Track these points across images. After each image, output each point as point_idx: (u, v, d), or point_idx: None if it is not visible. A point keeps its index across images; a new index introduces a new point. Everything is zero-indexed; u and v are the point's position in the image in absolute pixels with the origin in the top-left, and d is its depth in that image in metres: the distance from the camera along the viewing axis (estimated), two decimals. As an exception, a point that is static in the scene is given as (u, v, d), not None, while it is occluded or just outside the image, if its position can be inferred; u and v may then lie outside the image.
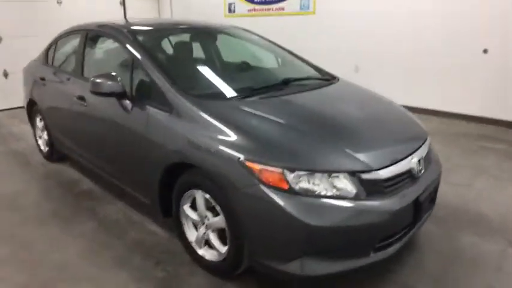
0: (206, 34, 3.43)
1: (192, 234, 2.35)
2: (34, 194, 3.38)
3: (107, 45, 3.20)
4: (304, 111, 2.36)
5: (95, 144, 3.07)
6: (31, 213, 3.02)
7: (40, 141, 4.15)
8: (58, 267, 2.37)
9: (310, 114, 2.33)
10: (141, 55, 2.56)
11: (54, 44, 3.78)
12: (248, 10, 7.62)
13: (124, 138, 2.60)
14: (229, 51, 3.47)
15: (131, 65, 2.59)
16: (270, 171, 1.83)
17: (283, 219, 1.79)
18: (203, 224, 2.23)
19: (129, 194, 2.83)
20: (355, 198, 1.86)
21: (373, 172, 1.92)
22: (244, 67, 3.26)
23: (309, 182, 1.83)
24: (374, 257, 1.97)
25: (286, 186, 1.81)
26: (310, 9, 6.73)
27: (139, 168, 2.53)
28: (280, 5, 7.12)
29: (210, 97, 2.32)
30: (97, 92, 2.52)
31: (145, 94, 2.47)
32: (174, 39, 3.18)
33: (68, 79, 3.29)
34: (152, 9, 8.11)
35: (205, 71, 2.87)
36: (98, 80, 2.49)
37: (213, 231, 2.20)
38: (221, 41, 3.45)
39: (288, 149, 1.94)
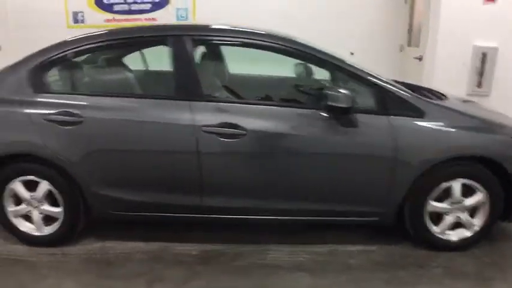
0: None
1: (432, 226, 2.50)
2: None
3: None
4: None
5: (270, 183, 2.47)
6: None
7: (31, 220, 2.53)
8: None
9: None
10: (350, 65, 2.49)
11: (58, 64, 2.50)
12: (106, 20, 6.57)
13: (351, 158, 2.39)
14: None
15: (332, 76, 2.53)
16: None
17: None
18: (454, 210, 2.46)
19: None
20: None
21: None
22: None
23: None
24: None
25: None
26: (190, 19, 6.60)
27: (379, 181, 2.41)
28: (152, 15, 6.59)
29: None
30: (343, 108, 2.25)
31: (364, 105, 2.38)
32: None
33: (167, 106, 2.37)
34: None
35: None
36: (341, 93, 2.22)
37: (463, 212, 2.47)
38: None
39: None
